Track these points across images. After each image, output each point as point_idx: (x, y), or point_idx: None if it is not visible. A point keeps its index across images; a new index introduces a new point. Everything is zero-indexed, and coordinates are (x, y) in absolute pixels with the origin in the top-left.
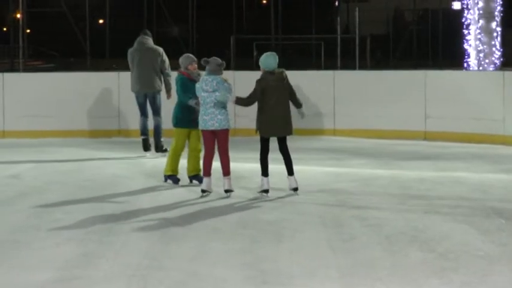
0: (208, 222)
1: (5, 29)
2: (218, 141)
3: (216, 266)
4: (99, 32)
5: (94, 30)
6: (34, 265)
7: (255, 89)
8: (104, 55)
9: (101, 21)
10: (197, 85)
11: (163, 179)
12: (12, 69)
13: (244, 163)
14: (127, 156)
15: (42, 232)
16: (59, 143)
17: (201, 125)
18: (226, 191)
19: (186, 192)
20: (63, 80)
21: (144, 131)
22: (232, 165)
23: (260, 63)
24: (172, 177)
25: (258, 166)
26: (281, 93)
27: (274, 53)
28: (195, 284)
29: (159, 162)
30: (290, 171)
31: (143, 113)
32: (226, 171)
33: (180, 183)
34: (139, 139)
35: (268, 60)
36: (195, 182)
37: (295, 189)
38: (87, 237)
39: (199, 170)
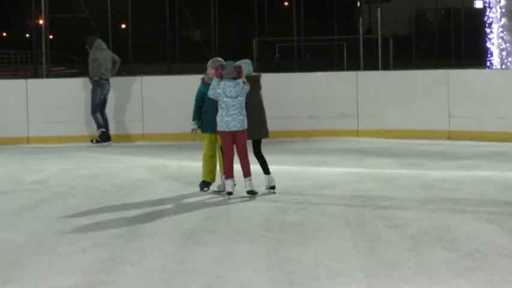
0: (233, 225)
1: (27, 35)
2: (238, 142)
3: (241, 268)
4: (122, 37)
5: (116, 35)
6: (59, 270)
7: None
8: (127, 60)
9: (123, 26)
10: (218, 90)
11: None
12: (36, 75)
13: (268, 165)
14: (151, 160)
15: (67, 237)
16: (83, 148)
17: (222, 127)
18: (249, 192)
19: (209, 196)
20: (86, 86)
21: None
22: (255, 168)
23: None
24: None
25: (278, 168)
26: (256, 97)
27: (248, 60)
28: (220, 287)
29: (182, 165)
30: (266, 171)
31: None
32: (247, 172)
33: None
34: (162, 143)
35: (244, 67)
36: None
37: (273, 187)
38: (112, 242)
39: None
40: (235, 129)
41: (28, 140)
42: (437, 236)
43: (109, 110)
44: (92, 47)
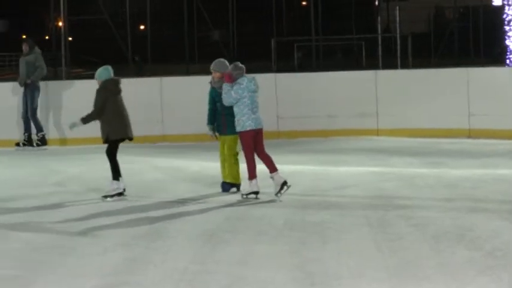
0: (254, 225)
1: (47, 37)
2: (258, 140)
3: (263, 268)
4: (141, 38)
5: (135, 36)
6: (81, 272)
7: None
8: (146, 61)
9: (142, 27)
10: (242, 87)
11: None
12: (55, 77)
13: (288, 165)
14: (171, 161)
15: (88, 238)
16: (103, 150)
17: (251, 125)
18: (284, 184)
19: (230, 196)
20: None
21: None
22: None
23: None
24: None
25: (298, 167)
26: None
27: (107, 66)
28: (242, 287)
29: (203, 166)
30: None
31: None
32: (274, 167)
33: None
34: (183, 144)
35: (104, 73)
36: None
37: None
38: (134, 243)
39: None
40: (260, 127)
41: (48, 141)
42: (459, 235)
43: (129, 112)
44: (33, 50)
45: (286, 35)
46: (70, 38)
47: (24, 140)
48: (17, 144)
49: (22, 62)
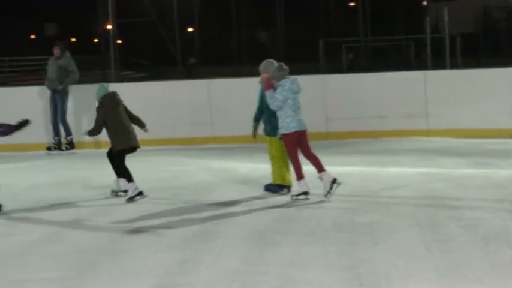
0: (304, 226)
1: (96, 40)
2: (302, 141)
3: (313, 269)
4: (189, 40)
5: (183, 38)
6: (133, 273)
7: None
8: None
9: (190, 29)
10: (285, 88)
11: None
12: (105, 79)
13: (337, 166)
14: (221, 163)
15: (139, 240)
16: (153, 152)
17: (296, 127)
18: (333, 181)
19: (279, 198)
20: (155, 89)
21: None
22: (326, 169)
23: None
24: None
25: (347, 168)
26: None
27: (104, 84)
28: None
29: (252, 168)
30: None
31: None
32: (322, 167)
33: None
34: (232, 145)
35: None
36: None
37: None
38: (184, 244)
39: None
40: (305, 127)
41: (100, 144)
42: (509, 236)
43: (178, 114)
44: (65, 54)
45: (334, 35)
46: (119, 41)
47: (54, 144)
48: (48, 149)
49: (53, 65)
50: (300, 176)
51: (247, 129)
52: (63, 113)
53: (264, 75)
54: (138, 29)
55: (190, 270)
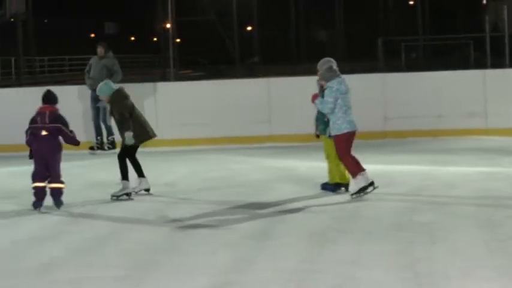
0: (363, 225)
1: (155, 39)
2: (351, 142)
3: (372, 268)
4: (248, 39)
5: (242, 37)
6: (190, 271)
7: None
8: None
9: (248, 28)
10: (333, 89)
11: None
12: (164, 78)
13: (396, 165)
14: (279, 162)
15: (197, 238)
16: (212, 150)
17: (348, 127)
18: (371, 184)
19: (338, 196)
20: (214, 88)
21: None
22: (384, 168)
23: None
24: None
25: (406, 167)
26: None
27: (107, 80)
28: (351, 287)
29: (310, 166)
30: (141, 174)
31: None
32: (361, 166)
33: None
34: (290, 144)
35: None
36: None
37: (148, 189)
38: (242, 242)
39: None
40: (356, 128)
41: (158, 142)
42: None
43: (237, 112)
44: (108, 53)
45: (393, 34)
46: (178, 39)
47: (97, 143)
48: (91, 148)
49: (97, 65)
50: (355, 171)
51: (305, 128)
52: (106, 113)
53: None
54: (196, 27)
55: (247, 268)
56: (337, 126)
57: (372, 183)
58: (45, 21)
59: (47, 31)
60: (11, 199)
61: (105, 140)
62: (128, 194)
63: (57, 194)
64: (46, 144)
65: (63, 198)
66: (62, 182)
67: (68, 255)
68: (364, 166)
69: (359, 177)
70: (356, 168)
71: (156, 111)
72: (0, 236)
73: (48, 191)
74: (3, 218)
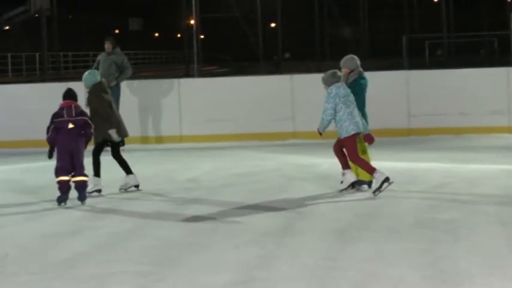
0: (385, 222)
1: (179, 35)
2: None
3: (394, 266)
4: (271, 35)
5: (266, 33)
6: (213, 267)
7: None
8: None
9: (272, 24)
10: (331, 95)
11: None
12: (187, 74)
13: (419, 162)
14: (302, 159)
15: (220, 234)
16: (235, 147)
17: (354, 129)
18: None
19: (360, 194)
20: (237, 84)
21: None
22: (408, 165)
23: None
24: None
25: (429, 165)
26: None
27: (92, 71)
28: (373, 285)
29: (333, 164)
30: (129, 171)
31: None
32: (348, 164)
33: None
34: (313, 141)
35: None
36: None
37: (137, 186)
38: (265, 239)
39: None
40: (361, 129)
41: (181, 138)
42: None
43: (260, 109)
44: (116, 49)
45: (418, 31)
46: (201, 36)
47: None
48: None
49: (106, 61)
50: (370, 169)
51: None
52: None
53: (344, 70)
54: (221, 24)
55: (270, 265)
56: (345, 129)
57: (387, 179)
58: (70, 17)
59: (71, 27)
60: (34, 194)
61: None
62: (99, 191)
63: (81, 187)
64: (72, 137)
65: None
66: (86, 175)
67: (91, 251)
68: (388, 164)
69: (377, 174)
70: (371, 167)
71: (180, 107)
72: (24, 231)
73: (72, 185)
74: (27, 213)
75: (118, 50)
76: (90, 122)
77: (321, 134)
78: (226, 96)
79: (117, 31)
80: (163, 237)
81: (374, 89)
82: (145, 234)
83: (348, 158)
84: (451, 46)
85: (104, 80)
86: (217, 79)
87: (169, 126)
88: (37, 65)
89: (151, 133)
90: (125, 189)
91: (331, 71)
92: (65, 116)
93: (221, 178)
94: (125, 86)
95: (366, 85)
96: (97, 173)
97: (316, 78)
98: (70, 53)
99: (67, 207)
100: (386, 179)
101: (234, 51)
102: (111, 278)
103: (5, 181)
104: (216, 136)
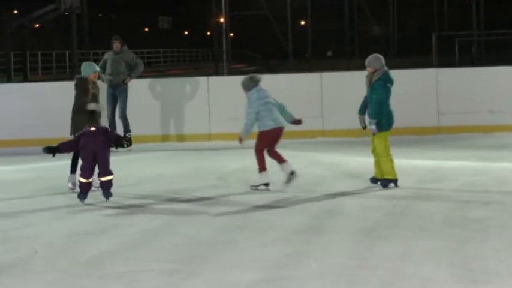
0: (414, 221)
1: (208, 33)
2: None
3: (423, 265)
4: (301, 33)
5: (295, 31)
6: (242, 265)
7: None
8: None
9: (302, 22)
10: (252, 99)
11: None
12: (217, 72)
13: (449, 161)
14: (331, 157)
15: (248, 232)
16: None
17: (276, 124)
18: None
19: (388, 192)
20: (266, 82)
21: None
22: (437, 163)
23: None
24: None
25: (458, 163)
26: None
27: (87, 63)
28: (401, 283)
29: (362, 162)
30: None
31: None
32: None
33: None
34: (342, 139)
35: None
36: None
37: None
38: (293, 237)
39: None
40: (283, 125)
41: (210, 136)
42: None
43: (289, 106)
44: (123, 47)
45: (448, 29)
46: (231, 34)
47: None
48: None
49: (115, 60)
50: (262, 167)
51: (358, 123)
52: (125, 108)
53: (368, 69)
54: (250, 22)
55: (298, 263)
56: (263, 124)
57: (267, 184)
58: (100, 15)
59: (100, 25)
60: (63, 193)
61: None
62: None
63: (106, 186)
64: (95, 139)
65: (117, 192)
66: (110, 174)
67: (119, 249)
68: (417, 162)
69: (264, 173)
70: (263, 165)
71: (209, 105)
72: (52, 230)
73: (96, 182)
74: (55, 211)
75: (126, 48)
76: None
77: (241, 140)
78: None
79: (146, 29)
80: (191, 235)
81: (403, 87)
82: (173, 232)
83: (276, 157)
84: (482, 44)
85: (111, 78)
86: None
87: (198, 124)
88: (67, 63)
89: (179, 131)
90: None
91: (249, 75)
92: None
93: (249, 176)
94: (154, 84)
95: (391, 84)
96: (73, 170)
97: (345, 76)
98: (100, 51)
99: (95, 206)
100: (267, 184)
101: (263, 49)
102: (139, 276)
103: (34, 179)
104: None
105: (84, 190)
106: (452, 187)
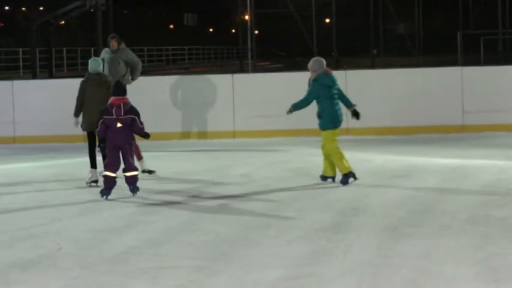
0: (438, 219)
1: (233, 30)
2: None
3: (447, 263)
4: (326, 31)
5: (320, 29)
6: (265, 263)
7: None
8: (331, 54)
9: (327, 20)
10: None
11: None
12: (242, 70)
13: (473, 159)
14: (354, 155)
15: (272, 230)
16: (288, 142)
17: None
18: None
19: (411, 191)
20: (290, 80)
21: None
22: (461, 162)
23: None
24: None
25: (482, 162)
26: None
27: (95, 58)
28: (425, 281)
29: (386, 159)
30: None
31: None
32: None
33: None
34: (366, 137)
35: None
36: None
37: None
38: (316, 235)
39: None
40: None
41: (234, 134)
42: None
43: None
44: (121, 46)
45: (473, 28)
46: (256, 31)
47: None
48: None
49: (112, 59)
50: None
51: (382, 121)
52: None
53: (310, 71)
54: (275, 19)
55: (322, 261)
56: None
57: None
58: (125, 12)
59: (126, 22)
60: (88, 189)
61: None
62: (96, 182)
63: (132, 181)
64: (120, 135)
65: (144, 188)
66: (136, 169)
67: (143, 245)
68: (441, 160)
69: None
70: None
71: (233, 102)
72: (78, 226)
73: (120, 179)
74: (78, 207)
75: (123, 45)
76: (138, 120)
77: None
78: (279, 92)
79: (171, 26)
80: (215, 232)
81: (428, 85)
82: (197, 229)
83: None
84: (506, 42)
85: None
86: (271, 74)
87: (223, 121)
88: None
89: (204, 128)
90: (88, 183)
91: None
92: (114, 114)
93: (274, 173)
94: (180, 80)
95: (329, 84)
96: (93, 165)
97: (370, 74)
98: None
99: (120, 202)
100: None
101: (288, 47)
102: (163, 272)
103: (60, 175)
104: (269, 132)
105: (108, 186)
106: (476, 185)
